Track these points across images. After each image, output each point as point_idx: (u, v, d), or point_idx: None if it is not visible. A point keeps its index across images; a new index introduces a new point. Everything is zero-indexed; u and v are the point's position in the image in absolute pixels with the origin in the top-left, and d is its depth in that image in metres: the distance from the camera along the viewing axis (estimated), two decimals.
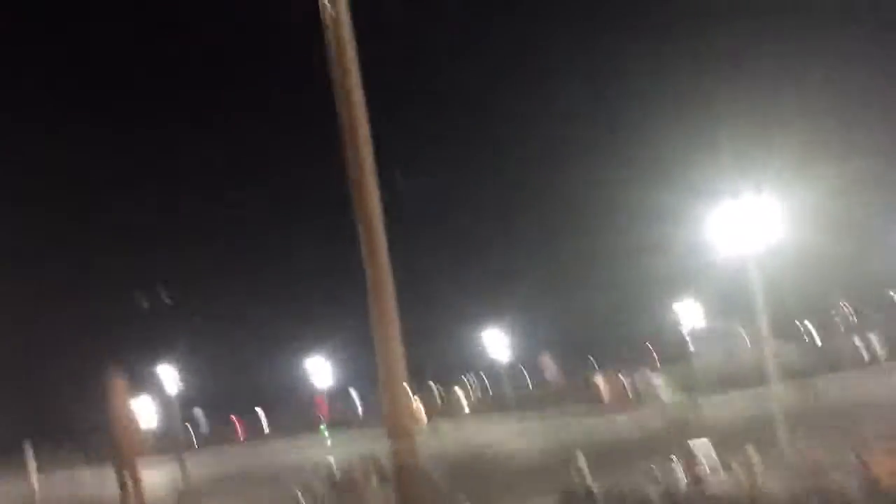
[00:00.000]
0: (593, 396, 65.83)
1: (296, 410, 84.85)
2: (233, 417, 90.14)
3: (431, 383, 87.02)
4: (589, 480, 23.45)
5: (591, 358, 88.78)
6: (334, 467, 35.48)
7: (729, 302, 56.72)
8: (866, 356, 58.57)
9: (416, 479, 6.71)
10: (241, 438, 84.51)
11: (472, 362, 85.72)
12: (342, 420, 77.24)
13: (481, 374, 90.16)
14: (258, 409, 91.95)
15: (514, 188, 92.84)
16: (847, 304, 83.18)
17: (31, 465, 37.67)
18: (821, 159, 43.94)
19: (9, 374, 79.30)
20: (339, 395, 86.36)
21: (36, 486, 37.81)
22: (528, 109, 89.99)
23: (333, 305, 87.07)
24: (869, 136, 62.36)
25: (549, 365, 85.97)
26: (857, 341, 61.20)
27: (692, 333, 68.19)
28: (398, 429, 6.99)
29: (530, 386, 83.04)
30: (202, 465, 55.46)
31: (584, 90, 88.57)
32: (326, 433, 66.76)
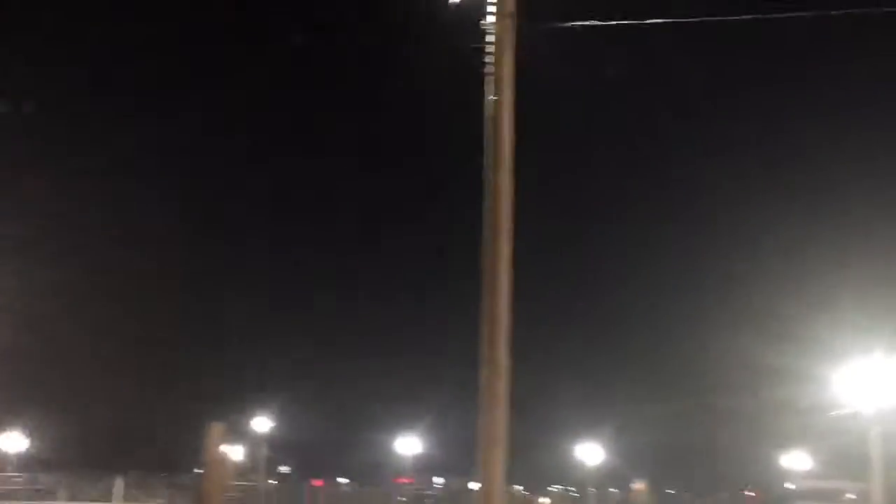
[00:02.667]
0: None
1: (374, 485, 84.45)
2: (313, 481, 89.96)
3: (518, 487, 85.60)
4: None
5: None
6: None
7: (843, 463, 54.35)
8: None
9: None
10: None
11: (564, 475, 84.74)
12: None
13: (569, 488, 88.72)
14: (341, 480, 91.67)
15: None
16: None
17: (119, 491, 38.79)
18: None
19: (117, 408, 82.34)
20: (424, 475, 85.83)
21: None
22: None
23: (435, 390, 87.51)
24: None
25: (640, 490, 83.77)
26: None
27: (797, 490, 64.75)
28: None
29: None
30: None
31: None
32: None
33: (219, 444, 7.94)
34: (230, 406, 70.50)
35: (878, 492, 29.27)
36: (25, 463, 79.43)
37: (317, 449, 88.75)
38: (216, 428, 8.14)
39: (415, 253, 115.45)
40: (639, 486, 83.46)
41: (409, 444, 75.14)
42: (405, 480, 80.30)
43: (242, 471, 70.38)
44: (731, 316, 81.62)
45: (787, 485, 66.80)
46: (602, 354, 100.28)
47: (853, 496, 60.32)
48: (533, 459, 76.98)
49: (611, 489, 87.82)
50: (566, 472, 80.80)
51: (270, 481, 78.45)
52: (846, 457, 46.11)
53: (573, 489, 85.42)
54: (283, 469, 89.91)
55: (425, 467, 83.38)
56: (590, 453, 69.96)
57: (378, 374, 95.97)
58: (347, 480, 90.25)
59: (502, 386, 6.98)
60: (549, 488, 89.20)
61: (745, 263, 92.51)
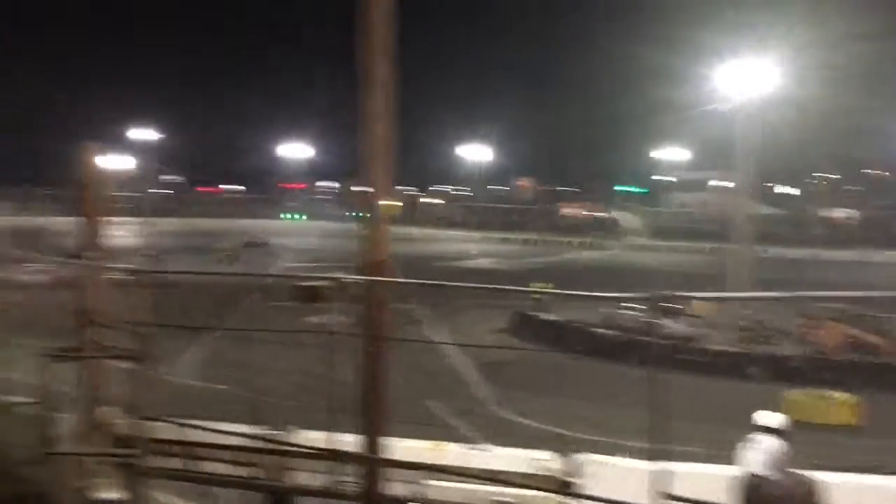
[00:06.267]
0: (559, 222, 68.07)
1: (267, 192, 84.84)
2: (199, 188, 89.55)
3: (400, 188, 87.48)
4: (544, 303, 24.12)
5: (568, 187, 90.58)
6: None
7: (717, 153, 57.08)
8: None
9: (382, 270, 6.51)
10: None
11: (447, 175, 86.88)
12: (307, 208, 77.64)
13: (450, 187, 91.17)
14: (223, 186, 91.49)
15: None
16: (825, 174, 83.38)
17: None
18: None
19: None
20: (311, 182, 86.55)
21: None
22: None
23: (314, 93, 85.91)
24: None
25: (525, 186, 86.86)
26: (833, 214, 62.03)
27: (676, 181, 68.08)
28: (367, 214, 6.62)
29: (502, 203, 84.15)
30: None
31: None
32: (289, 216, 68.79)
33: (92, 163, 7.58)
34: (117, 119, 68.92)
35: (743, 177, 30.89)
36: None
37: (205, 158, 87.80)
38: (87, 147, 7.75)
39: None
40: (523, 182, 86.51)
41: (297, 150, 74.86)
42: (295, 186, 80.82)
43: (129, 181, 69.62)
44: (612, 22, 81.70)
45: (655, 177, 69.93)
46: (490, 61, 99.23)
47: (717, 183, 64.42)
48: (420, 161, 78.46)
49: (497, 186, 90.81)
50: (454, 172, 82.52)
51: (157, 190, 78.07)
52: (716, 149, 48.26)
53: (465, 188, 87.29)
54: (173, 178, 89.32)
55: (315, 173, 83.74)
56: (477, 153, 71.35)
57: (263, 77, 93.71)
58: (235, 186, 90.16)
59: (382, 102, 6.57)
60: (434, 188, 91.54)
61: None
